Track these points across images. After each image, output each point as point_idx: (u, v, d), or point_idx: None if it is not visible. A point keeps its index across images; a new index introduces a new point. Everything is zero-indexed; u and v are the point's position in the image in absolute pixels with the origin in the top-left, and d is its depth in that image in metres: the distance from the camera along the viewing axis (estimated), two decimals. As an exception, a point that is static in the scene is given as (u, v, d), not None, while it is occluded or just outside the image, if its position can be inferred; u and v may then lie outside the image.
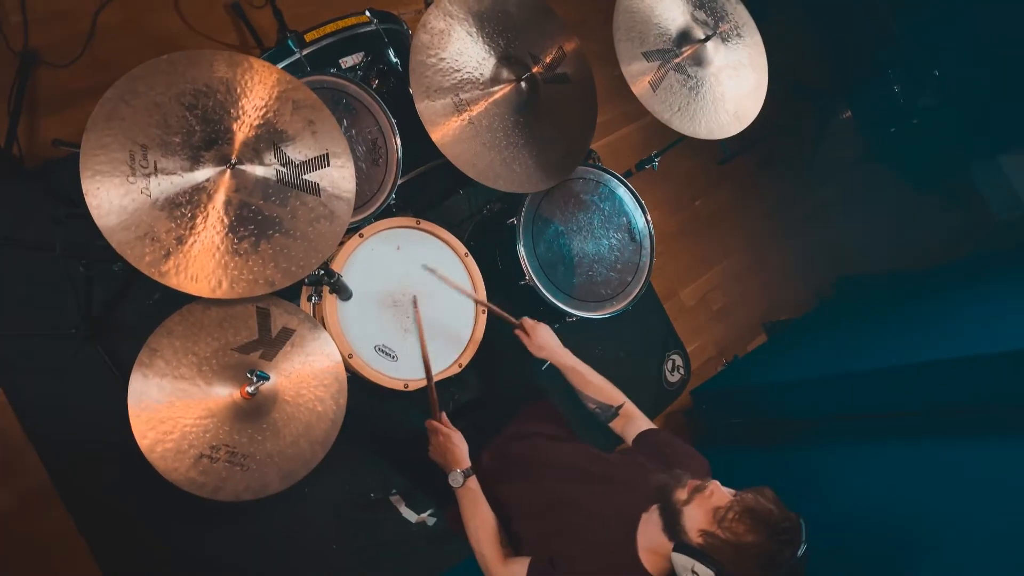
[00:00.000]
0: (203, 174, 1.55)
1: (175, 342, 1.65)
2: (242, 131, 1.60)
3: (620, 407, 2.15)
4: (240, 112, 1.60)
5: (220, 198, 1.55)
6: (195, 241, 1.52)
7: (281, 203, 1.61)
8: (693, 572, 1.51)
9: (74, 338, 2.30)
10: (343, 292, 2.00)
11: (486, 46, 2.20)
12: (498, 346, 2.34)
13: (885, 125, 4.33)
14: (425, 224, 2.28)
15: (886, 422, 2.63)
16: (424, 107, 2.08)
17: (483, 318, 2.30)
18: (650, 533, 1.62)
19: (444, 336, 2.24)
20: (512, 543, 1.87)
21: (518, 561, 1.76)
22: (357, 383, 2.03)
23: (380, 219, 2.19)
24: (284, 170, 1.62)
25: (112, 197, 1.47)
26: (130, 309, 2.31)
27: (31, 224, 2.27)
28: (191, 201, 1.53)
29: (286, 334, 1.77)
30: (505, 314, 2.26)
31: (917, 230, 4.31)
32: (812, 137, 4.22)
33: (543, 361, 2.29)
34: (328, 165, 1.67)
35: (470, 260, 2.32)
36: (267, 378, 1.66)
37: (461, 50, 2.16)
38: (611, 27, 2.20)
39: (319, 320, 1.97)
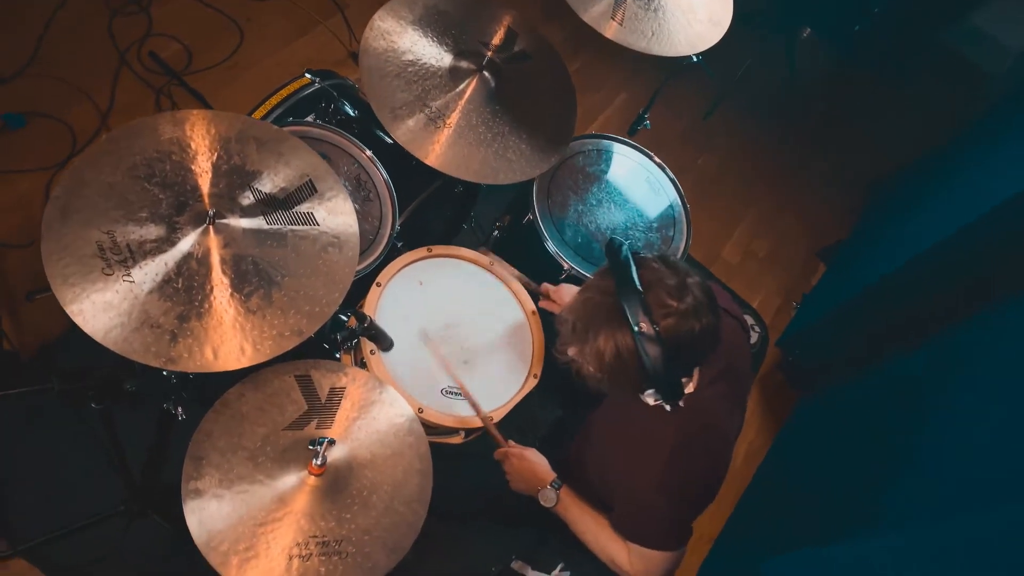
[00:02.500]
0: (185, 241, 1.36)
1: (218, 443, 1.42)
2: (210, 185, 1.42)
3: None
4: (201, 167, 1.42)
5: (212, 259, 1.36)
6: (200, 314, 1.31)
7: (279, 244, 1.42)
8: None
9: (124, 514, 2.08)
10: (383, 341, 1.77)
11: (436, 49, 2.07)
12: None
13: (848, 26, 4.19)
14: (438, 249, 2.08)
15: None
16: (401, 133, 1.94)
17: (536, 319, 2.07)
18: None
19: (506, 353, 2.01)
20: None
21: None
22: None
23: (390, 262, 2.00)
24: (270, 209, 1.43)
25: (94, 299, 1.28)
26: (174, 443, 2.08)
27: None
28: (181, 272, 1.33)
29: (337, 394, 1.54)
30: (531, 291, 2.06)
31: (921, 117, 4.12)
32: (784, 63, 4.08)
33: None
34: (315, 191, 1.48)
35: (497, 267, 2.11)
36: (332, 441, 1.42)
37: (413, 61, 2.03)
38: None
39: (367, 377, 1.74)
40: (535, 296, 2.10)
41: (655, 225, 2.36)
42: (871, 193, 3.82)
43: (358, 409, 1.56)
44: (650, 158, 2.45)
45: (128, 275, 1.30)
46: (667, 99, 2.74)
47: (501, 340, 2.02)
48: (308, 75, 2.31)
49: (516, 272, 2.12)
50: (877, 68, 4.35)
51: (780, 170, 3.82)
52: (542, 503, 1.74)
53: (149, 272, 1.33)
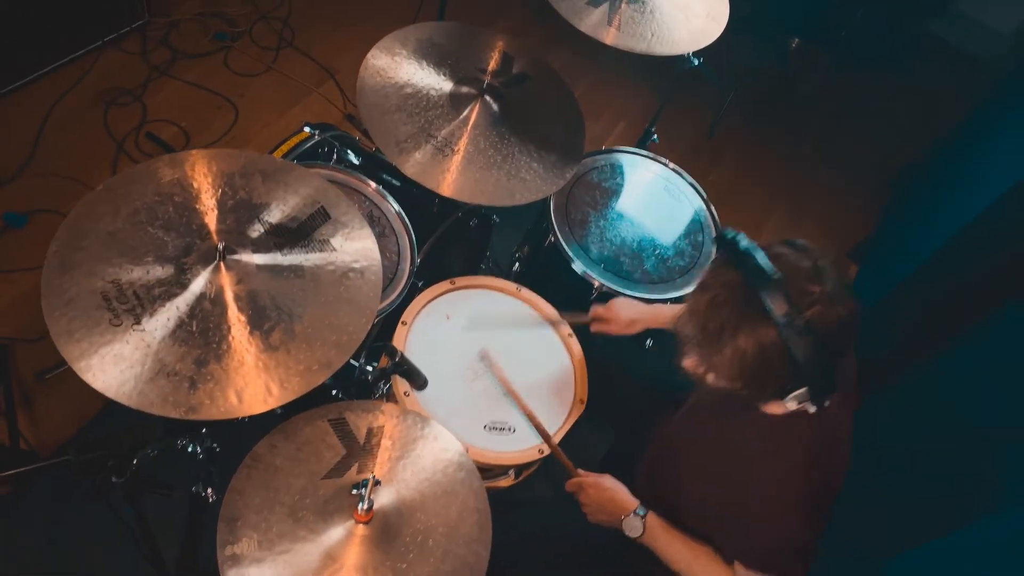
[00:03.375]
0: (196, 281, 1.26)
1: (252, 500, 1.28)
2: (216, 222, 1.33)
3: None
4: (206, 205, 1.33)
5: (226, 298, 1.25)
6: (219, 356, 1.20)
7: (296, 275, 1.31)
8: None
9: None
10: (416, 378, 1.65)
11: (434, 80, 2.02)
12: (608, 364, 1.97)
13: (834, 32, 4.18)
14: (461, 281, 1.98)
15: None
16: (410, 166, 1.87)
17: (573, 341, 1.94)
18: None
19: (546, 382, 1.87)
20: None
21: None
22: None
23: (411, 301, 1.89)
24: (282, 240, 1.33)
25: (103, 352, 1.17)
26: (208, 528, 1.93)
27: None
28: (195, 315, 1.23)
29: (376, 435, 1.41)
30: (579, 318, 1.93)
31: (924, 109, 4.07)
32: (782, 76, 4.06)
33: (640, 346, 1.96)
34: (329, 217, 1.39)
35: (525, 292, 2.00)
36: (377, 481, 1.28)
37: (412, 93, 1.98)
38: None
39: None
40: (584, 329, 1.96)
41: (682, 232, 2.26)
42: (890, 188, 3.72)
43: (400, 448, 1.42)
44: (665, 165, 2.37)
45: (138, 324, 1.20)
46: (668, 121, 2.69)
47: (540, 367, 1.89)
48: (307, 128, 2.26)
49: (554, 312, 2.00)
50: (872, 67, 4.32)
51: (793, 177, 3.73)
52: (627, 534, 1.58)
53: (160, 318, 1.22)
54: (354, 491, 1.30)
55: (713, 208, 2.32)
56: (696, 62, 2.33)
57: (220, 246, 1.25)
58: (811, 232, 3.55)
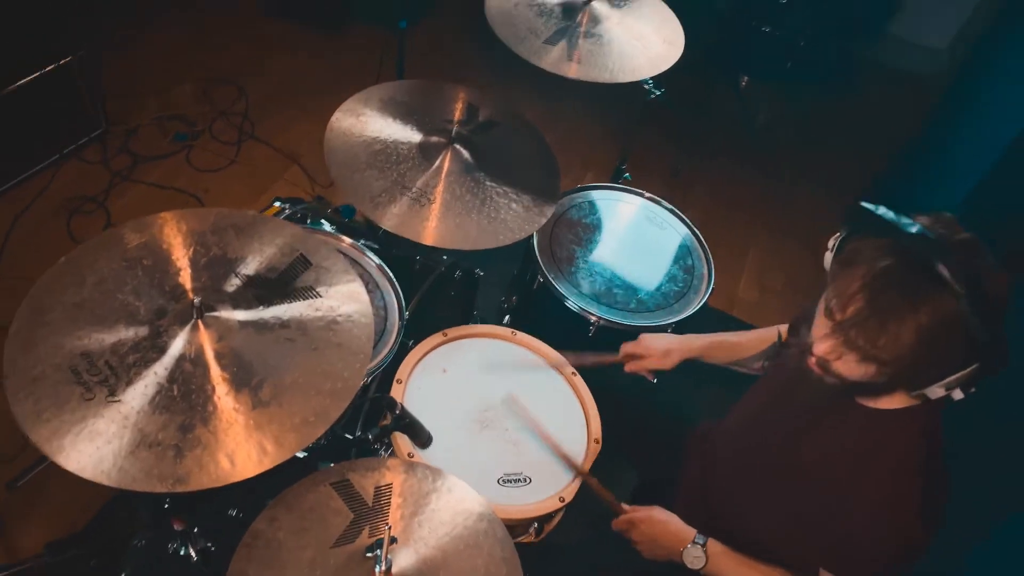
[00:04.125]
0: (174, 344, 1.17)
1: (257, 582, 1.15)
2: (191, 280, 1.25)
3: (780, 334, 1.71)
4: (177, 266, 1.25)
5: (208, 357, 1.16)
6: (205, 418, 1.09)
7: (281, 325, 1.22)
8: None
9: None
10: (420, 435, 1.54)
11: (401, 134, 2.00)
12: (613, 397, 1.87)
13: (780, 65, 4.31)
14: (453, 332, 1.89)
15: None
16: (388, 219, 1.81)
17: (578, 380, 1.85)
18: None
19: (558, 424, 1.77)
20: None
21: None
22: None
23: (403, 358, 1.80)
24: (263, 292, 1.25)
25: (76, 431, 1.06)
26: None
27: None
28: (175, 379, 1.13)
29: (385, 493, 1.29)
30: (604, 359, 1.85)
31: (879, 124, 4.17)
32: (737, 115, 4.16)
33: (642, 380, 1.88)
34: (310, 264, 1.31)
35: (521, 335, 1.92)
36: (393, 539, 1.15)
37: (381, 150, 1.95)
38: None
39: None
40: (616, 368, 1.88)
41: (672, 258, 2.21)
42: (865, 198, 3.74)
43: (413, 504, 1.30)
44: (642, 195, 2.34)
45: (112, 395, 1.09)
46: (635, 161, 2.68)
47: (547, 412, 1.79)
48: (278, 203, 2.21)
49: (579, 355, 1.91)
50: (822, 94, 4.45)
51: (766, 204, 3.75)
52: (689, 566, 1.46)
53: (137, 387, 1.12)
54: (369, 554, 1.17)
55: (698, 232, 2.28)
56: (657, 92, 2.33)
57: (196, 301, 1.16)
58: (794, 254, 3.53)
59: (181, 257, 1.27)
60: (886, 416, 1.25)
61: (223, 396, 1.13)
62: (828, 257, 1.24)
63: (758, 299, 3.30)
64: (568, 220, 2.23)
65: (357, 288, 1.31)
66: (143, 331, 1.17)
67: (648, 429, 1.95)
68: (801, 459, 1.35)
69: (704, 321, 2.06)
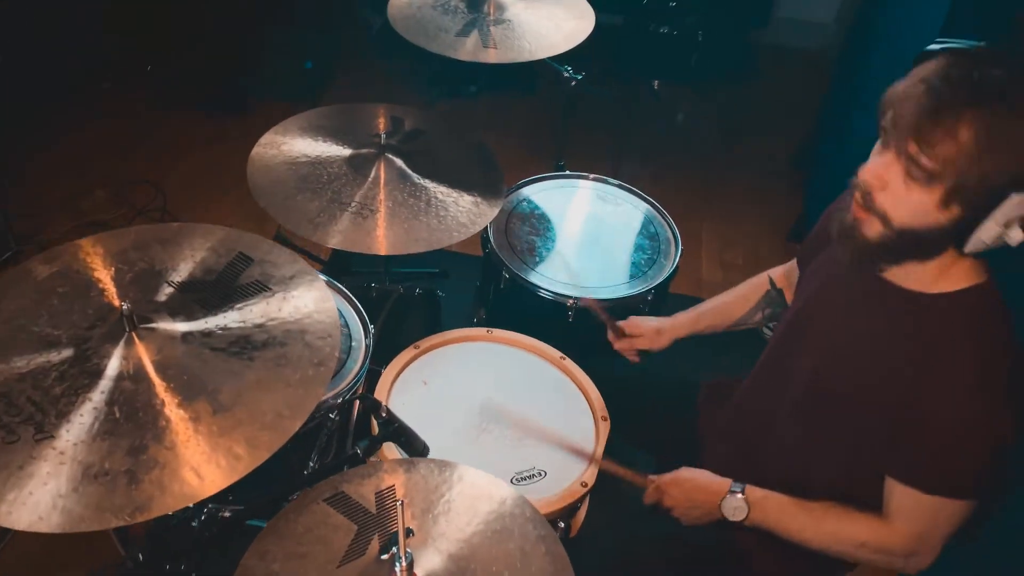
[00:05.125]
0: (109, 365, 0.99)
1: (258, 622, 0.95)
2: (118, 299, 1.08)
3: (771, 279, 1.68)
4: (100, 287, 1.09)
5: (148, 371, 0.98)
6: (158, 435, 0.91)
7: (231, 323, 1.06)
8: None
9: None
10: (413, 443, 1.37)
11: (328, 154, 1.90)
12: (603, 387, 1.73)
13: (685, 63, 4.40)
14: (425, 343, 1.75)
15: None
16: (333, 238, 1.69)
17: (569, 364, 1.72)
18: None
19: (560, 412, 1.63)
20: None
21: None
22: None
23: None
24: (204, 296, 1.09)
25: (2, 480, 0.87)
26: None
27: None
28: (114, 400, 0.95)
29: (388, 496, 1.11)
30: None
31: (789, 99, 4.28)
32: (662, 117, 4.22)
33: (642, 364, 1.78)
34: (251, 260, 1.16)
35: (497, 332, 1.79)
36: (409, 531, 0.97)
37: (308, 173, 1.84)
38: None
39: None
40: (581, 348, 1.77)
41: (633, 230, 2.12)
42: (796, 165, 3.80)
43: (423, 501, 1.12)
44: (586, 178, 2.27)
45: (41, 432, 0.91)
46: (570, 157, 2.64)
47: (544, 402, 1.65)
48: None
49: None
50: (731, 81, 4.55)
51: (707, 188, 3.75)
52: (732, 518, 1.32)
53: (71, 418, 0.94)
54: (384, 556, 0.99)
55: (652, 200, 2.21)
56: (578, 77, 2.30)
57: (125, 309, 0.99)
58: (749, 229, 3.51)
59: (102, 279, 1.11)
60: (939, 303, 1.14)
61: (175, 408, 0.96)
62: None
63: (723, 278, 3.25)
64: (520, 214, 2.14)
65: (307, 269, 1.16)
66: (67, 354, 0.99)
67: (652, 407, 1.81)
68: (852, 381, 1.23)
69: (679, 306, 1.96)
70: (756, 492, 1.32)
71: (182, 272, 1.13)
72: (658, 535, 1.49)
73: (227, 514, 1.30)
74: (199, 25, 3.69)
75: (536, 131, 3.73)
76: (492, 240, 2.00)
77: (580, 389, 1.71)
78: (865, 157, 1.13)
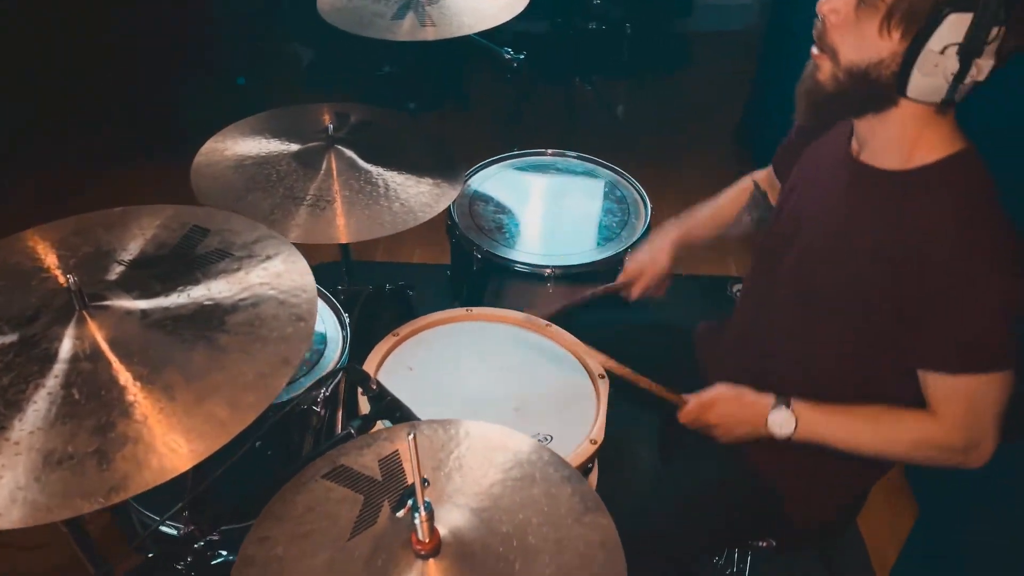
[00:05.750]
0: (61, 348, 0.88)
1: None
2: (62, 284, 0.97)
3: (755, 183, 1.65)
4: (41, 276, 0.98)
5: (104, 350, 0.88)
6: (126, 409, 0.81)
7: (195, 286, 0.96)
8: None
9: None
10: (408, 418, 1.27)
11: (275, 153, 1.81)
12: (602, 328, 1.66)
13: (618, 57, 4.45)
14: (404, 329, 1.65)
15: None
16: (293, 232, 1.59)
17: (555, 330, 1.65)
18: None
19: (552, 377, 1.55)
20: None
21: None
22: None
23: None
24: (159, 270, 0.99)
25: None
26: None
27: None
28: (72, 382, 0.84)
29: (392, 461, 1.01)
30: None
31: (722, 78, 4.34)
32: (602, 112, 4.24)
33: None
34: (207, 231, 1.06)
35: (477, 310, 1.71)
36: (425, 480, 0.87)
37: (255, 174, 1.75)
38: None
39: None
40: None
41: (599, 196, 2.08)
42: (739, 142, 3.84)
43: (432, 460, 1.02)
44: (543, 153, 2.22)
45: (-9, 424, 0.79)
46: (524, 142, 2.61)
47: (537, 370, 1.56)
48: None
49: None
50: (665, 70, 4.60)
51: (658, 173, 3.72)
52: (779, 433, 1.25)
53: (24, 408, 0.82)
54: (399, 514, 0.89)
55: (612, 165, 2.17)
56: (520, 58, 2.26)
57: (71, 283, 0.89)
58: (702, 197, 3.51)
59: (43, 266, 1.00)
60: (920, 179, 1.10)
61: (142, 382, 0.85)
62: None
63: (689, 252, 3.22)
64: (482, 196, 2.07)
65: (272, 237, 1.07)
66: (10, 341, 0.88)
67: (646, 361, 1.74)
68: (850, 278, 1.19)
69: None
70: (802, 404, 1.26)
71: (132, 251, 1.03)
72: (679, 492, 1.41)
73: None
74: (122, 79, 3.57)
75: (475, 142, 3.70)
76: (459, 224, 1.93)
77: (571, 352, 1.63)
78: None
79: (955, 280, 1.06)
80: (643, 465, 1.43)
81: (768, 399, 1.26)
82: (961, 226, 1.07)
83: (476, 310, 1.72)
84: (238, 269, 1.00)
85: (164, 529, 1.35)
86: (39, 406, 0.82)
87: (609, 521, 0.96)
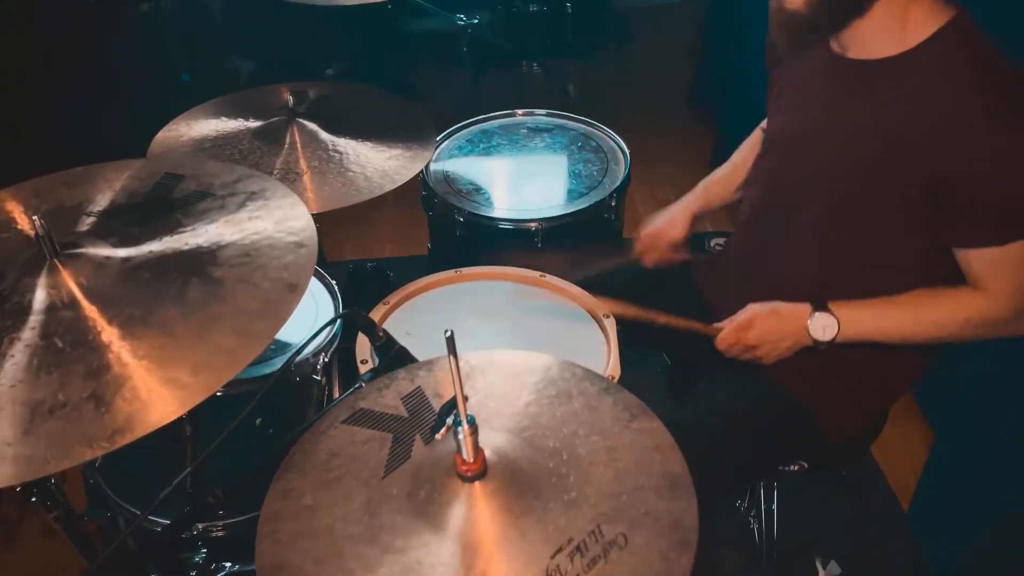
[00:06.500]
0: (35, 299, 0.78)
1: (306, 566, 0.74)
2: (30, 238, 0.87)
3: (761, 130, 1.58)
4: (7, 231, 0.88)
5: (79, 296, 0.78)
6: (119, 352, 0.71)
7: (180, 226, 0.87)
8: None
9: None
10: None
11: (235, 131, 1.72)
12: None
13: (563, 37, 4.42)
14: (394, 296, 1.56)
15: None
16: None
17: (547, 278, 1.58)
18: None
19: (556, 321, 1.48)
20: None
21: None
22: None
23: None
24: (133, 217, 0.90)
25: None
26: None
27: None
28: (52, 332, 0.74)
29: (417, 396, 0.93)
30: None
31: (666, 47, 4.37)
32: (558, 91, 4.21)
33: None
34: (182, 176, 0.97)
35: (467, 270, 1.63)
36: (464, 396, 0.79)
37: (219, 151, 1.64)
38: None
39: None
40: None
41: (575, 148, 2.02)
42: (693, 103, 3.84)
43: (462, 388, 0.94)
44: (513, 115, 2.16)
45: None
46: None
47: (538, 318, 1.49)
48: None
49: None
50: (609, 46, 4.61)
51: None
52: (822, 338, 1.19)
53: (2, 365, 0.72)
54: (438, 436, 0.80)
55: (584, 117, 2.12)
56: (474, 21, 2.20)
57: (39, 227, 0.79)
58: (671, 165, 3.50)
59: (3, 226, 0.90)
60: (916, 59, 1.07)
61: (135, 321, 0.76)
62: None
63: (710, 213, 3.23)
64: (456, 161, 2.00)
65: (254, 175, 0.98)
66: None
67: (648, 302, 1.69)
68: (869, 177, 1.15)
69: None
70: (839, 304, 1.20)
71: (101, 203, 0.93)
72: (701, 430, 1.34)
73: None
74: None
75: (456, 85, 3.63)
76: (436, 191, 1.85)
77: (571, 298, 1.56)
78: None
79: (980, 150, 1.03)
80: (655, 411, 1.35)
81: (804, 307, 1.21)
82: (974, 93, 1.04)
83: (465, 270, 1.64)
84: (222, 207, 0.91)
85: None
86: (17, 359, 0.72)
87: (659, 424, 0.89)
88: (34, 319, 0.76)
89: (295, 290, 0.79)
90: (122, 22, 3.00)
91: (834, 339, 1.18)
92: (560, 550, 0.74)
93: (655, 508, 0.78)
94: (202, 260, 0.83)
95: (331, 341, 1.34)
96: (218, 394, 1.13)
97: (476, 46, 2.24)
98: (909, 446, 2.08)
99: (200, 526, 1.31)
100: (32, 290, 0.79)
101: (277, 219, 0.90)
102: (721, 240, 2.01)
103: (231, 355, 0.72)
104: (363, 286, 1.88)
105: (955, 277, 1.14)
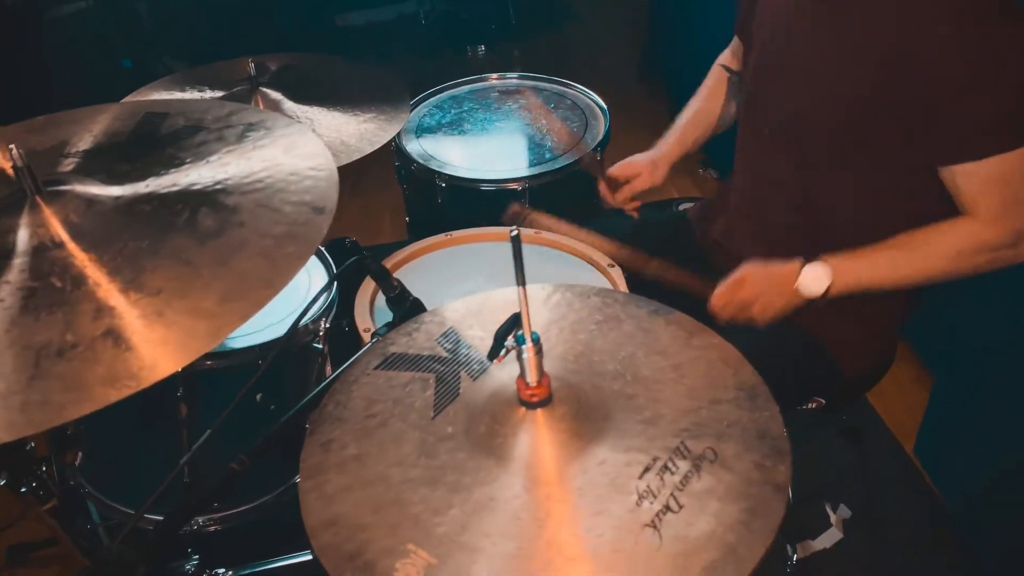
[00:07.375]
0: (18, 239, 0.67)
1: (365, 520, 0.66)
2: (10, 165, 0.76)
3: (724, 67, 1.54)
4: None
5: (63, 239, 0.67)
6: (132, 282, 0.61)
7: (182, 161, 0.77)
8: None
9: None
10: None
11: (196, 99, 1.60)
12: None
13: (507, 22, 4.38)
14: (388, 262, 1.48)
15: None
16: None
17: (546, 235, 1.51)
18: None
19: (565, 278, 1.42)
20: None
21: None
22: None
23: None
24: (120, 154, 0.79)
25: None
26: None
27: None
28: (44, 272, 0.64)
29: (453, 335, 0.85)
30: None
31: (609, 24, 4.36)
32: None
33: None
34: (167, 114, 0.87)
35: (457, 233, 1.55)
36: (516, 316, 0.71)
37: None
38: None
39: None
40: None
41: (552, 106, 1.96)
42: (643, 76, 3.79)
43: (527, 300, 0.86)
44: (485, 79, 2.09)
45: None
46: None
47: (542, 273, 1.43)
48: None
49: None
50: (553, 27, 4.60)
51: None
52: (816, 292, 1.15)
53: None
54: (495, 361, 0.72)
55: (555, 77, 2.06)
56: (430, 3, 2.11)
57: (18, 159, 0.68)
58: (633, 136, 3.44)
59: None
60: None
61: (142, 254, 0.66)
62: None
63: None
64: (429, 126, 1.91)
65: (245, 108, 0.88)
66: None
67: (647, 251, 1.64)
68: (851, 100, 1.12)
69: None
70: (830, 255, 1.17)
71: (81, 145, 0.82)
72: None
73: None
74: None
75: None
76: (414, 159, 1.76)
77: (571, 252, 1.50)
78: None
79: (981, 55, 1.00)
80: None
81: (794, 263, 1.17)
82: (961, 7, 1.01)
83: (456, 233, 1.56)
84: (220, 139, 0.81)
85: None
86: (8, 303, 0.61)
87: (720, 339, 0.83)
88: (20, 261, 0.66)
89: (323, 212, 0.69)
90: (48, 20, 2.83)
91: (827, 290, 1.14)
92: (647, 469, 0.67)
93: (739, 419, 0.72)
94: (210, 190, 0.73)
95: (331, 305, 1.24)
96: (208, 364, 1.03)
97: (421, 32, 2.15)
98: (902, 390, 2.09)
99: (199, 520, 1.20)
100: (14, 231, 0.68)
101: (285, 146, 0.81)
102: (688, 205, 1.98)
103: (264, 279, 0.62)
104: (342, 264, 1.77)
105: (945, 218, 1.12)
